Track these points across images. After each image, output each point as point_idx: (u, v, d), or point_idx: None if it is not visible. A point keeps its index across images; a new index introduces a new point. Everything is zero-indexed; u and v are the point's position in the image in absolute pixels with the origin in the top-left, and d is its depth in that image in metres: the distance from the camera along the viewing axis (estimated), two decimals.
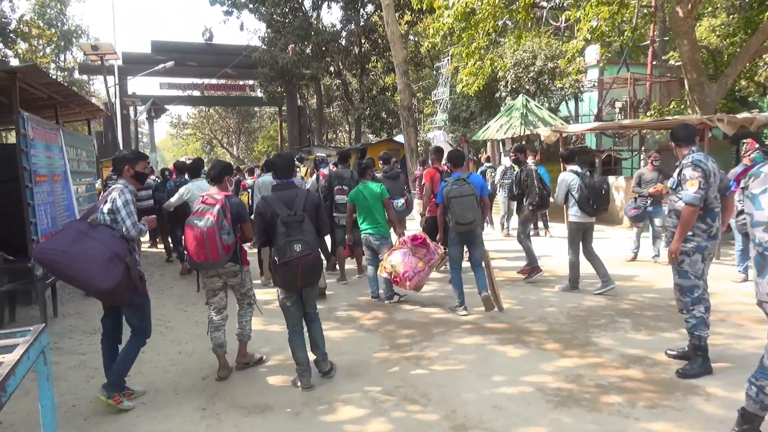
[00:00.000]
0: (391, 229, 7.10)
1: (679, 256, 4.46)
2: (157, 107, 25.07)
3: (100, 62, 17.06)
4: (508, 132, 15.33)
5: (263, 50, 28.97)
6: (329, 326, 6.08)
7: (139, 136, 47.16)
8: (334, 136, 48.88)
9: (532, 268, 7.95)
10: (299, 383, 4.47)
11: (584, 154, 17.87)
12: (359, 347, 5.37)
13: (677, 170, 4.51)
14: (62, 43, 36.88)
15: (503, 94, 19.07)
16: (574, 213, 6.99)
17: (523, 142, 16.03)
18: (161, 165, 56.63)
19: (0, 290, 6.32)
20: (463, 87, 16.61)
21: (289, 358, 4.80)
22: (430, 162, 8.41)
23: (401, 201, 7.97)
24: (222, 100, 42.88)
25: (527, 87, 17.98)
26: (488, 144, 19.03)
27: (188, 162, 9.92)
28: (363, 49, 28.75)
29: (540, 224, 12.08)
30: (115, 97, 28.37)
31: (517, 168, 8.56)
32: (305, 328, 4.57)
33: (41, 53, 33.24)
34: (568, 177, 7.05)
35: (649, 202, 8.73)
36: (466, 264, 6.91)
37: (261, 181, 8.11)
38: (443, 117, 28.23)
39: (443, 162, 8.15)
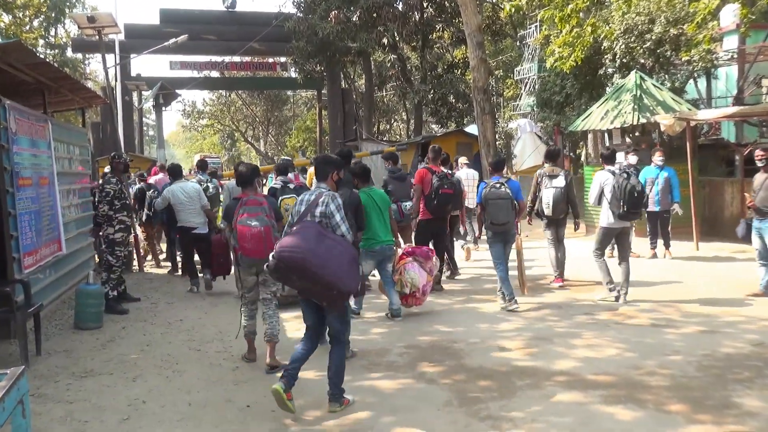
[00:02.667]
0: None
1: None
2: (166, 92, 25.80)
3: (97, 37, 17.67)
4: (616, 120, 15.00)
5: (298, 18, 29.44)
6: (380, 374, 6.08)
7: (144, 128, 48.63)
8: (388, 126, 49.20)
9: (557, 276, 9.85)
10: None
11: (720, 148, 17.37)
12: (418, 402, 5.33)
13: None
14: (53, 14, 38.49)
15: (609, 70, 18.71)
16: (605, 216, 8.56)
17: (636, 134, 15.67)
18: (171, 163, 58.28)
19: None
20: (555, 62, 16.37)
21: (328, 417, 5.03)
22: (426, 161, 10.10)
23: (409, 203, 9.49)
24: (247, 83, 43.80)
25: (642, 61, 17.59)
26: (589, 136, 18.72)
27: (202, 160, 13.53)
28: (425, 15, 28.82)
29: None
30: (116, 81, 29.26)
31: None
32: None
33: (27, 27, 34.80)
34: (602, 176, 8.61)
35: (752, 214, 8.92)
36: None
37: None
38: (529, 101, 27.97)
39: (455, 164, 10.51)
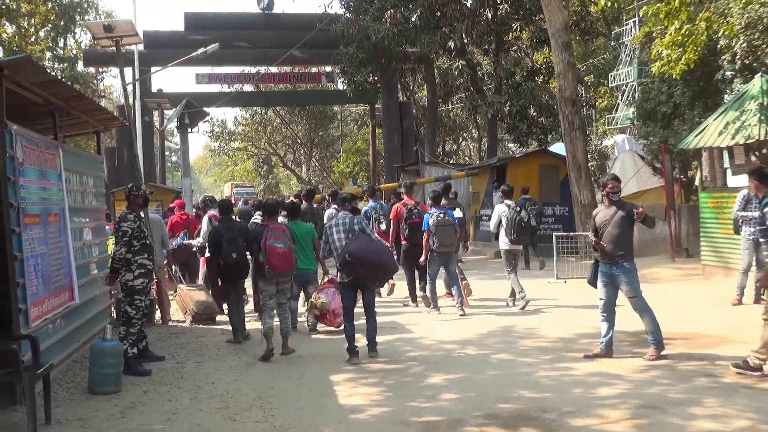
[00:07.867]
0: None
1: None
2: (192, 111, 26.19)
3: (113, 48, 18.14)
4: (739, 135, 14.74)
5: (347, 20, 29.75)
6: None
7: (166, 153, 49.58)
8: (455, 146, 49.30)
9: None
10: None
11: None
12: None
13: None
14: (62, 23, 39.86)
15: (728, 74, 18.45)
16: (503, 240, 12.80)
17: (764, 151, 15.34)
18: (198, 194, 59.25)
19: None
20: (662, 66, 16.25)
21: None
22: (401, 195, 14.19)
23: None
24: (286, 97, 44.56)
25: None
26: (704, 155, 18.41)
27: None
28: (499, 12, 28.87)
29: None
30: (134, 98, 29.63)
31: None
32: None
33: (33, 38, 36.05)
34: (501, 209, 12.86)
35: None
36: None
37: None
38: (628, 113, 27.78)
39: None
